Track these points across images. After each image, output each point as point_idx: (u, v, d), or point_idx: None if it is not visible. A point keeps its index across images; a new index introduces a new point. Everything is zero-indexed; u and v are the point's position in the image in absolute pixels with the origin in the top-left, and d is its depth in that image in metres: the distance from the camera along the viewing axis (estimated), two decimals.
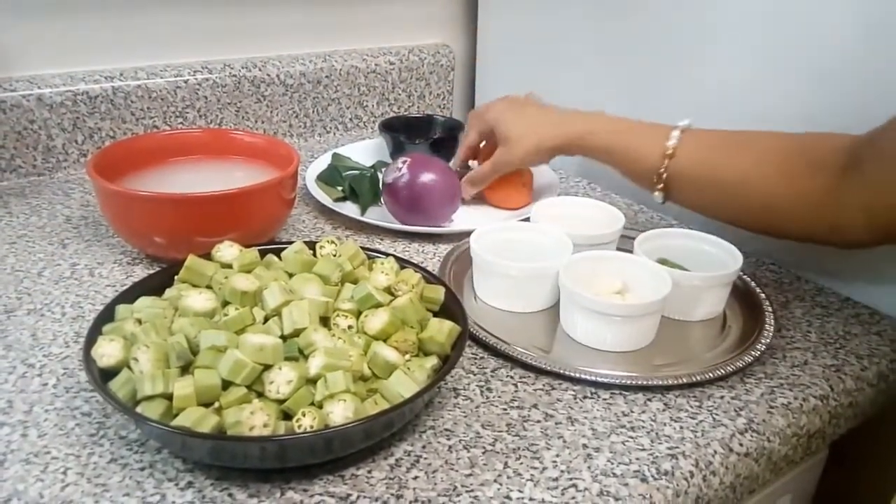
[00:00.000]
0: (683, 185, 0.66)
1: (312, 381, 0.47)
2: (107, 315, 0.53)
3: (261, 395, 0.47)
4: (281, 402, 0.46)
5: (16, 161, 0.87)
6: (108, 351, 0.48)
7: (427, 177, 0.76)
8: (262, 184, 0.68)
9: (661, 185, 0.67)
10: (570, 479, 0.47)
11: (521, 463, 0.49)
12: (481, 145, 0.86)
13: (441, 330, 0.52)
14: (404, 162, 0.77)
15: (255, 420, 0.44)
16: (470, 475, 0.47)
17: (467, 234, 0.68)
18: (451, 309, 0.56)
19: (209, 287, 0.55)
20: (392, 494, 0.45)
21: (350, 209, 0.82)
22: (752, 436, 0.52)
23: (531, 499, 0.46)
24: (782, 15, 0.71)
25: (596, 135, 0.71)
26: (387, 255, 0.61)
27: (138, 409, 0.45)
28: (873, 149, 0.56)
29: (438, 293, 0.57)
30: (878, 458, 0.72)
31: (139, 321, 0.51)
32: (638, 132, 0.69)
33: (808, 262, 0.74)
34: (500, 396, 0.55)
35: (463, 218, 0.81)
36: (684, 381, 0.56)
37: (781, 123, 0.64)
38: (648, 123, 0.69)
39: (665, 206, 0.69)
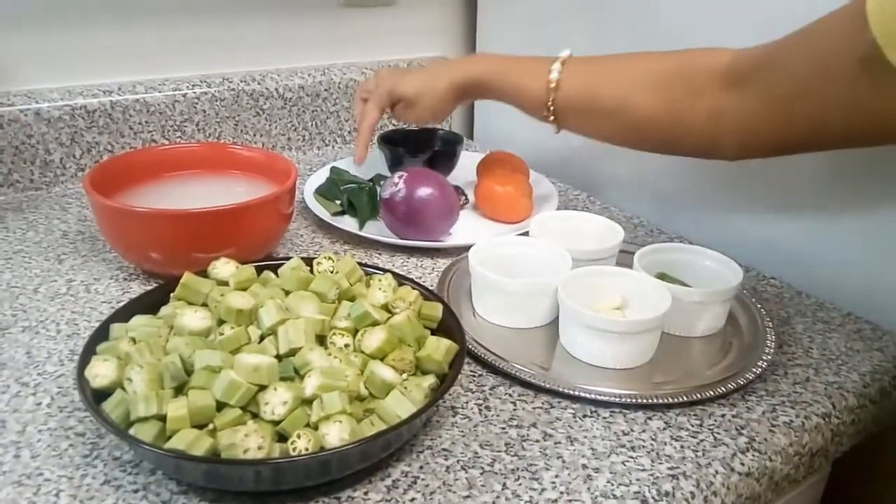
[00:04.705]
0: (571, 114, 0.69)
1: (308, 402, 0.47)
2: (101, 334, 0.52)
3: (256, 416, 0.46)
4: (276, 423, 0.46)
5: (13, 175, 0.87)
6: (101, 371, 0.47)
7: (424, 191, 0.76)
8: (260, 199, 0.67)
9: (552, 118, 0.70)
10: (570, 500, 0.47)
11: (520, 484, 0.48)
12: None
13: (438, 348, 0.52)
14: (401, 177, 0.77)
15: (249, 442, 0.43)
16: (468, 497, 0.47)
17: (466, 248, 0.68)
18: (449, 326, 0.56)
19: (205, 305, 0.54)
20: None
21: (348, 223, 0.82)
22: (753, 455, 0.52)
23: None
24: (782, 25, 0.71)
25: (493, 75, 0.74)
26: (385, 271, 0.61)
27: (132, 431, 0.44)
28: (759, 76, 0.57)
29: (436, 310, 0.57)
30: (881, 474, 0.72)
31: (133, 340, 0.51)
32: (523, 68, 0.72)
33: (809, 278, 0.73)
34: (498, 415, 0.54)
35: (461, 232, 0.81)
36: (685, 398, 0.55)
37: None
38: (532, 58, 0.72)
39: (661, 217, 0.68)
